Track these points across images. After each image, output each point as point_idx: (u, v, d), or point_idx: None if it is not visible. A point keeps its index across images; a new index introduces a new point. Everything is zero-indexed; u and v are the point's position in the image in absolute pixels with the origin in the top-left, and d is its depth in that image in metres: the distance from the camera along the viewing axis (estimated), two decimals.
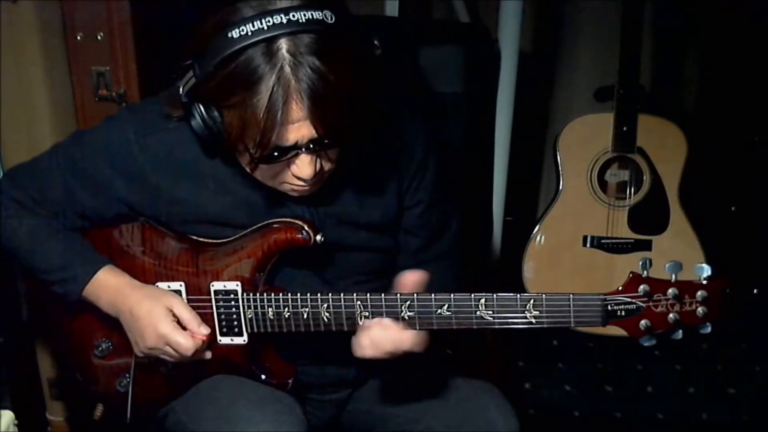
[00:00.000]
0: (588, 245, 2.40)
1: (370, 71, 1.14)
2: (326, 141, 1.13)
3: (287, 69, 1.06)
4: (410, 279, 1.24)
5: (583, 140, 2.39)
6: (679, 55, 2.80)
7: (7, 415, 1.71)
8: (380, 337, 1.23)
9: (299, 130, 1.11)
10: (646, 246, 2.37)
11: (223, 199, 1.29)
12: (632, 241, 2.38)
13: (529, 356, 2.55)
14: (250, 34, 1.06)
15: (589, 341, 2.58)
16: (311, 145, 1.13)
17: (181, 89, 1.15)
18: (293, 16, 1.06)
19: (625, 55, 2.28)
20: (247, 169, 1.20)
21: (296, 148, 1.13)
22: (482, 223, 1.95)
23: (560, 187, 2.41)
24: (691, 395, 2.42)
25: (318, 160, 1.17)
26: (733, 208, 2.79)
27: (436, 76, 1.70)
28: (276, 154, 1.14)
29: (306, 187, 1.21)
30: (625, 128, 2.34)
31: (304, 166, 1.16)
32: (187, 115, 1.16)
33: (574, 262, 2.40)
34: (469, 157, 1.78)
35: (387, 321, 1.22)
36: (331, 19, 1.08)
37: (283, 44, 1.06)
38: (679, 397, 2.42)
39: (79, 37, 1.62)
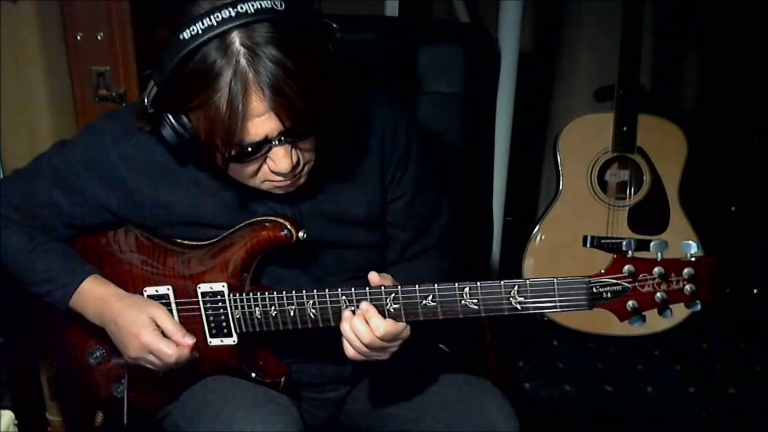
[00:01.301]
0: (588, 245, 2.40)
1: (330, 54, 1.13)
2: (296, 130, 1.12)
3: (243, 62, 1.06)
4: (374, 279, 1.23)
5: (583, 140, 2.39)
6: (679, 55, 2.80)
7: (7, 415, 1.71)
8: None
9: (266, 123, 1.10)
10: (646, 246, 2.36)
11: (205, 201, 1.28)
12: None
13: (529, 356, 2.55)
14: (200, 32, 1.06)
15: (589, 341, 2.58)
16: (282, 138, 1.12)
17: (145, 100, 1.15)
18: (242, 7, 1.06)
19: (625, 55, 2.28)
20: (224, 170, 1.19)
21: (267, 142, 1.12)
22: (482, 223, 1.94)
23: (560, 187, 2.42)
24: (691, 395, 2.42)
25: (294, 152, 1.16)
26: (733, 208, 2.79)
27: (436, 76, 1.70)
28: (249, 150, 1.13)
29: (287, 182, 1.20)
30: (625, 128, 2.35)
31: (279, 160, 1.15)
32: (157, 126, 1.16)
33: (574, 262, 2.40)
34: (469, 157, 1.77)
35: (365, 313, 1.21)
36: (281, 5, 1.07)
37: (236, 37, 1.06)
38: (679, 397, 2.42)
39: (79, 37, 1.62)
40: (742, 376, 2.50)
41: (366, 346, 1.20)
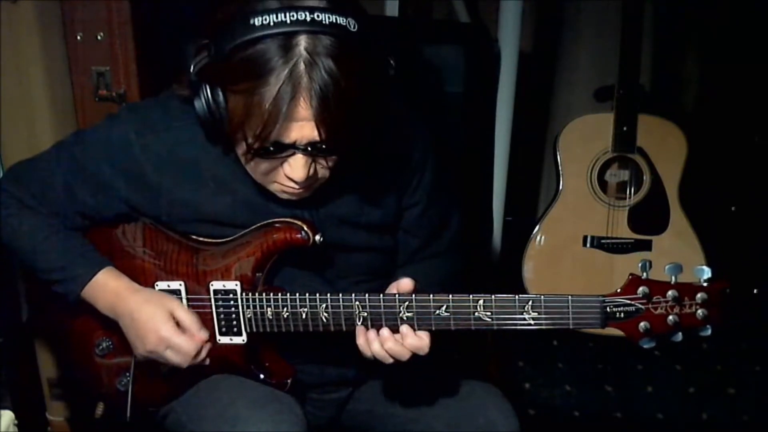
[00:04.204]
0: (588, 245, 2.40)
1: (380, 88, 1.15)
2: (325, 146, 1.13)
3: (301, 66, 1.07)
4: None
5: (583, 140, 2.39)
6: (679, 55, 2.80)
7: (7, 415, 1.72)
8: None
9: (301, 129, 1.11)
10: (646, 246, 2.37)
11: (223, 199, 1.29)
12: (632, 241, 2.38)
13: (529, 356, 2.55)
14: (272, 24, 1.06)
15: (589, 341, 2.58)
16: (309, 148, 1.13)
17: (192, 67, 1.15)
18: (317, 16, 1.06)
19: (625, 55, 2.28)
20: (242, 160, 1.20)
21: (294, 147, 1.13)
22: (482, 223, 1.94)
23: (560, 187, 2.42)
24: (691, 395, 2.42)
25: (312, 165, 1.17)
26: (733, 208, 2.79)
27: (436, 76, 1.70)
28: (272, 149, 1.14)
29: (295, 190, 1.21)
30: (625, 128, 2.35)
31: (297, 168, 1.16)
32: (192, 95, 1.16)
33: (574, 262, 2.40)
34: (469, 157, 1.78)
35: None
36: (354, 27, 1.09)
37: (302, 41, 1.07)
38: (679, 397, 2.42)
39: (79, 37, 1.62)
40: (742, 376, 2.50)
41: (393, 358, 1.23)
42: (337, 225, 1.32)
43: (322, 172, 1.20)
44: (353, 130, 1.12)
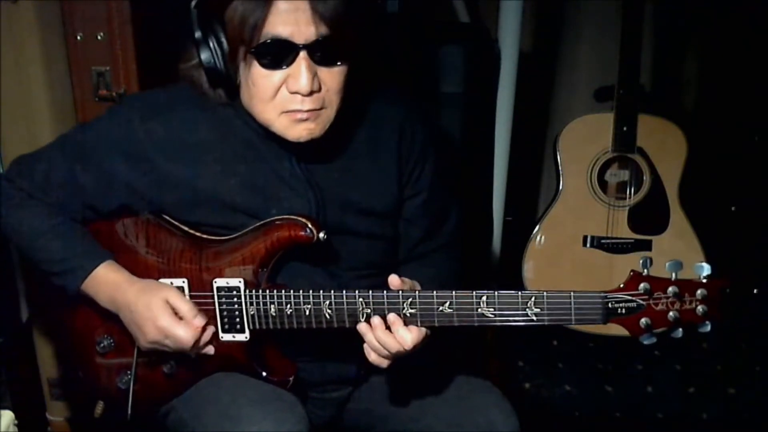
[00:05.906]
0: (588, 245, 2.40)
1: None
2: (325, 47, 1.15)
3: None
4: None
5: (583, 140, 2.39)
6: (679, 55, 2.80)
7: (7, 415, 1.71)
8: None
9: (297, 20, 1.13)
10: (646, 246, 2.37)
11: (228, 181, 1.29)
12: (632, 241, 2.38)
13: (529, 356, 2.55)
14: None
15: (589, 341, 2.58)
16: (307, 49, 1.15)
17: (192, 3, 1.19)
18: None
19: (625, 55, 2.28)
20: (245, 97, 1.22)
21: (292, 49, 1.15)
22: (482, 223, 1.95)
23: (560, 187, 2.42)
24: (691, 395, 2.42)
25: (315, 79, 1.18)
26: (733, 208, 2.79)
27: (436, 76, 1.70)
28: (272, 48, 1.15)
29: (304, 114, 1.20)
30: (625, 128, 2.35)
31: (299, 75, 1.17)
32: (193, 30, 1.20)
33: (574, 262, 2.40)
34: (469, 157, 1.78)
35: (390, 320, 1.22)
36: None
37: None
38: (679, 397, 2.42)
39: (79, 37, 1.62)
40: (742, 376, 2.50)
41: (392, 355, 1.22)
42: (340, 209, 1.32)
43: (329, 95, 1.20)
44: (352, 31, 1.15)
